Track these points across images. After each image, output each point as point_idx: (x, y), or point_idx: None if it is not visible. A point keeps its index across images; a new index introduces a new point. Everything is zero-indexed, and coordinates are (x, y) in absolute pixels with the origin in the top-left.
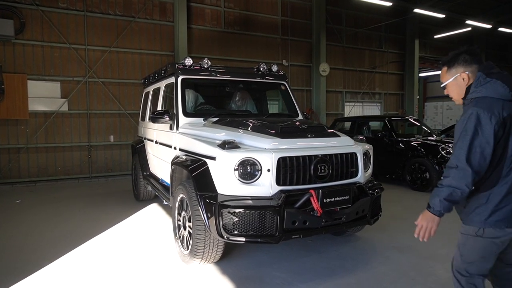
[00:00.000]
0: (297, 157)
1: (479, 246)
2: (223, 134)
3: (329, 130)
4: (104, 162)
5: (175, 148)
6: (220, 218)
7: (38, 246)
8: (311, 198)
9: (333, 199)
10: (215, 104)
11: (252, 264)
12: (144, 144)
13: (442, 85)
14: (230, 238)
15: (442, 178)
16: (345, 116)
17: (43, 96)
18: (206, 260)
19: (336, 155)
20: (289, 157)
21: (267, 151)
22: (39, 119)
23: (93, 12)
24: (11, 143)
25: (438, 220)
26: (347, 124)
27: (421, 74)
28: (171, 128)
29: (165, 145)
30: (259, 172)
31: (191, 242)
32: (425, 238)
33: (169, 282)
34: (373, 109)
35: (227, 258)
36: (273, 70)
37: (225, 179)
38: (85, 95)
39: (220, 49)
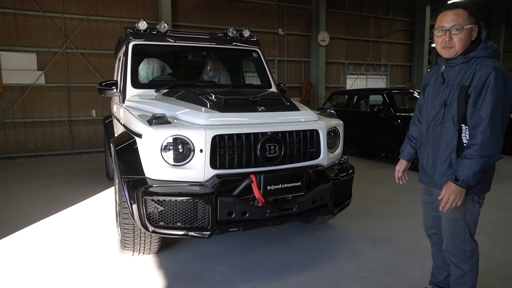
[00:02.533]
0: (239, 135)
1: (478, 213)
2: (161, 108)
3: (288, 103)
4: (87, 137)
5: (121, 124)
6: (144, 206)
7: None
8: (252, 185)
9: (279, 186)
10: (177, 74)
11: (197, 257)
12: (112, 119)
13: (455, 27)
14: (155, 230)
15: (469, 143)
16: (347, 89)
17: (18, 68)
18: (139, 252)
19: (290, 132)
20: (228, 134)
21: (200, 127)
22: (15, 92)
23: None
24: None
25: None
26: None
27: (432, 45)
28: (119, 101)
29: (117, 120)
30: (192, 152)
31: (119, 232)
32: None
33: (94, 273)
34: (378, 82)
35: (170, 248)
36: (244, 35)
37: (152, 161)
38: (63, 67)
39: (210, 18)
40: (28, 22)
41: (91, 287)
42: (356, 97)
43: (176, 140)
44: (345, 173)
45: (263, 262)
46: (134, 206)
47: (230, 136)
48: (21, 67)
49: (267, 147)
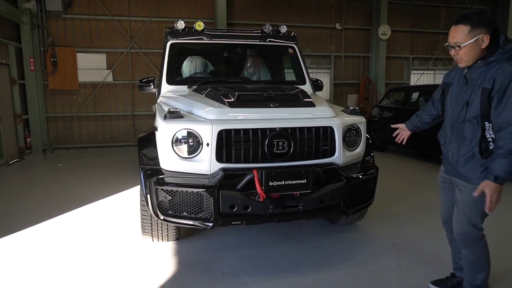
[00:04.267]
0: (246, 130)
1: (483, 200)
2: (182, 103)
3: (305, 99)
4: None
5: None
6: (155, 195)
7: (40, 206)
8: (255, 180)
9: (282, 183)
10: (218, 71)
11: (212, 247)
12: None
13: (456, 44)
14: (165, 218)
15: (500, 144)
16: (405, 86)
17: (91, 67)
18: (157, 238)
19: (301, 128)
20: (235, 129)
21: (208, 122)
22: (88, 89)
23: None
24: (65, 112)
25: None
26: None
27: None
28: (156, 96)
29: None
30: (201, 146)
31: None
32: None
33: (116, 253)
34: None
35: (191, 238)
36: (281, 31)
37: (165, 153)
38: (128, 66)
39: (265, 15)
40: (100, 26)
41: (109, 263)
42: (414, 93)
43: (186, 134)
44: (363, 173)
45: (274, 258)
46: (148, 195)
47: (237, 131)
48: (93, 67)
49: (275, 143)
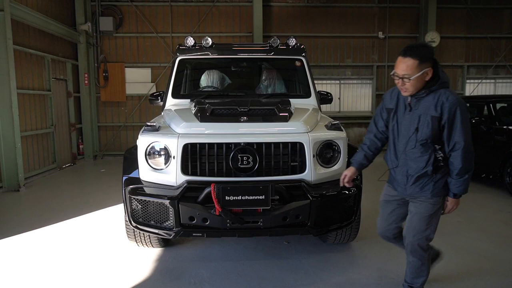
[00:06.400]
0: (210, 144)
1: (440, 212)
2: (169, 117)
3: (281, 114)
4: None
5: None
6: (129, 203)
7: (72, 207)
8: (212, 193)
9: (239, 198)
10: (233, 84)
11: (194, 257)
12: None
13: (405, 77)
14: (137, 226)
15: (455, 164)
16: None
17: (137, 81)
18: (141, 243)
19: (267, 144)
20: (200, 143)
21: (175, 135)
22: (134, 101)
23: (177, 1)
24: (114, 122)
25: None
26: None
27: None
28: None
29: None
30: (170, 158)
31: None
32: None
33: (103, 254)
34: (511, 88)
35: (177, 246)
36: (289, 44)
37: (141, 164)
38: None
39: (303, 26)
40: (146, 42)
41: (93, 261)
42: None
43: (157, 146)
44: (336, 192)
45: (245, 273)
46: (123, 203)
47: (202, 145)
48: (139, 80)
49: (240, 157)
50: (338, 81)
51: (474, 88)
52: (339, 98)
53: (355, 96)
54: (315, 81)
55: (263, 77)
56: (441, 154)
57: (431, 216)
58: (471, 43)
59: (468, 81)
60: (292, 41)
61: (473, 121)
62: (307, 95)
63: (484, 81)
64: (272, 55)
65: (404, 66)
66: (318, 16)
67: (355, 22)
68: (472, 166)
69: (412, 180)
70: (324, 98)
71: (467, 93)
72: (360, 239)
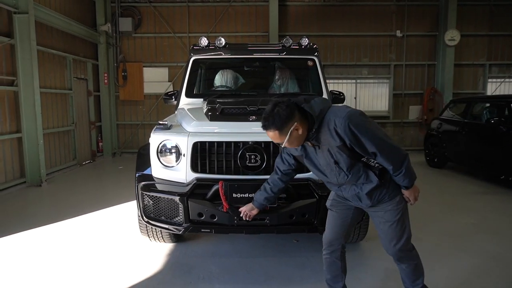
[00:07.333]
0: (219, 143)
1: (406, 208)
2: (181, 116)
3: None
4: None
5: None
6: (141, 199)
7: (90, 201)
8: (220, 191)
9: (246, 195)
10: (247, 84)
11: (204, 253)
12: None
13: (279, 144)
14: (148, 221)
15: (388, 168)
16: (467, 97)
17: (154, 80)
18: (154, 239)
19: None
20: (209, 142)
21: (185, 134)
22: (152, 100)
23: (194, 2)
24: (132, 120)
25: None
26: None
27: None
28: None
29: None
30: (181, 156)
31: None
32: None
33: (115, 249)
34: None
35: (190, 242)
36: (302, 44)
37: (153, 161)
38: None
39: (319, 25)
40: (163, 42)
41: (108, 254)
42: (474, 105)
43: (168, 144)
44: None
45: (253, 270)
46: (136, 198)
47: (211, 143)
48: (156, 79)
49: (248, 156)
50: (354, 81)
51: (497, 87)
52: (355, 98)
53: (372, 96)
54: (331, 81)
55: (276, 77)
56: (373, 160)
57: (400, 219)
58: (494, 41)
59: (490, 80)
60: (305, 41)
61: (492, 121)
62: (319, 94)
63: (508, 80)
64: (284, 55)
65: (272, 136)
66: (334, 15)
67: (372, 21)
68: (402, 156)
69: (365, 197)
70: (337, 97)
71: (489, 93)
72: (370, 239)
